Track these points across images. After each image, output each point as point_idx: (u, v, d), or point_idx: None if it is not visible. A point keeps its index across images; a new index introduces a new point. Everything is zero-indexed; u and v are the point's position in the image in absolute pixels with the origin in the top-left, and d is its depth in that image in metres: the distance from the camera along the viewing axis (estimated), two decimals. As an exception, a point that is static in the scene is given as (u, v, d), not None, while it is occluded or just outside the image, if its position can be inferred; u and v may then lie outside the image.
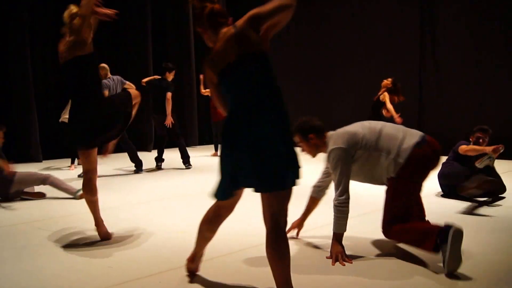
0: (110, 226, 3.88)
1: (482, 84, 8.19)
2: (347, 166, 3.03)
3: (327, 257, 3.03)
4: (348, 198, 3.02)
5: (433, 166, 3.02)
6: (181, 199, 5.08)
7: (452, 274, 2.67)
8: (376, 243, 3.34)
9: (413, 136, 3.02)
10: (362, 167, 3.09)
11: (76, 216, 4.36)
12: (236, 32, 2.11)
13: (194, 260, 2.76)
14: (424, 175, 3.01)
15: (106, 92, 6.63)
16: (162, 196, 5.30)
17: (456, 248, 2.64)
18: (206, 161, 8.56)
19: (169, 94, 7.28)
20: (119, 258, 3.16)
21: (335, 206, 3.02)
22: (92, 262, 3.08)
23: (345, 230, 3.03)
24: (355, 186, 5.62)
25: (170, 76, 7.51)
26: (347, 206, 3.01)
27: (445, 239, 2.64)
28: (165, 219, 4.19)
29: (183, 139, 7.76)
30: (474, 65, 8.29)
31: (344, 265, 2.90)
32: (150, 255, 3.20)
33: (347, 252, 3.06)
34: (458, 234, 2.64)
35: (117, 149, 7.76)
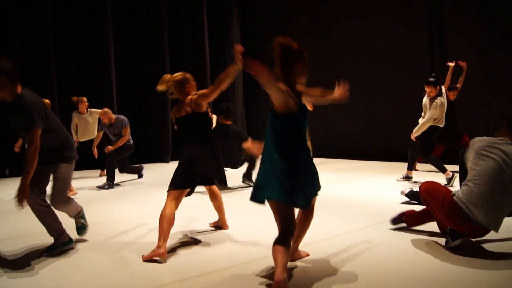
0: (130, 235, 3.99)
1: (491, 91, 8.18)
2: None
3: None
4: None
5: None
6: (200, 209, 5.15)
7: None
8: (391, 253, 3.39)
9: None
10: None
11: (99, 225, 4.49)
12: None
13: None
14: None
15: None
16: (181, 206, 5.36)
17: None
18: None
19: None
20: (140, 266, 3.24)
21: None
22: (115, 270, 3.18)
23: None
24: (370, 197, 5.68)
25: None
26: None
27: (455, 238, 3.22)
28: (184, 228, 4.27)
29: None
30: (483, 71, 8.27)
31: None
32: (171, 263, 3.28)
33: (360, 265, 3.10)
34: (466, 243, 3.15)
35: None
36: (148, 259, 3.32)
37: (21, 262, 3.40)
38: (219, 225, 4.26)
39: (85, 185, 7.23)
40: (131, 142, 7.30)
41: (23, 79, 9.80)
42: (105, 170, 7.79)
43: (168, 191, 3.63)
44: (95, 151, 7.41)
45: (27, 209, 3.41)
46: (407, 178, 6.71)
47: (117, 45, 10.25)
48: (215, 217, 4.33)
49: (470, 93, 8.22)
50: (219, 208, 4.18)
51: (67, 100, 9.71)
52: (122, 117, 7.19)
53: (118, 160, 7.29)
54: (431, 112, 6.18)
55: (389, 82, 9.44)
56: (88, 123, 8.00)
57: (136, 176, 7.89)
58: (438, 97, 6.28)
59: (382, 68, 9.71)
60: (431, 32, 9.10)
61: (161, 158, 10.71)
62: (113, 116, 7.14)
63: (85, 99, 7.97)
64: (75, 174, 7.86)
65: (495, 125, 6.31)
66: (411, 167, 6.77)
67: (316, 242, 3.64)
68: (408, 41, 9.29)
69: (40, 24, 9.01)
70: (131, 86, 10.73)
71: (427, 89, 6.37)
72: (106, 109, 7.22)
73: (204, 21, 11.38)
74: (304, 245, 3.24)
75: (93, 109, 8.02)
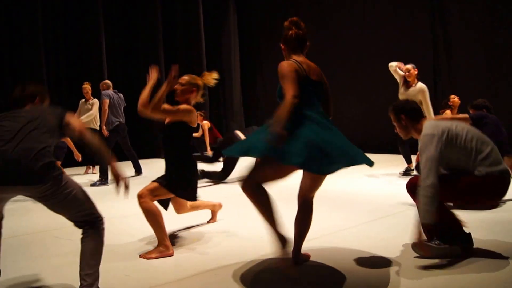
0: (124, 235, 3.91)
1: (495, 84, 8.11)
2: (435, 150, 2.87)
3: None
4: (434, 183, 2.80)
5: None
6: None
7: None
8: (394, 247, 3.30)
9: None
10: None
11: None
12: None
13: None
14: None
15: (107, 100, 7.10)
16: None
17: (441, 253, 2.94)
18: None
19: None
20: (135, 266, 3.16)
21: (421, 194, 2.81)
22: (109, 271, 3.07)
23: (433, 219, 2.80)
24: (371, 191, 5.60)
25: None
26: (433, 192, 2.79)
27: (448, 242, 2.95)
28: (178, 226, 4.17)
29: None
30: (487, 65, 8.25)
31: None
32: (166, 263, 3.20)
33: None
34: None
35: (122, 158, 8.04)
36: (152, 259, 3.25)
37: (17, 262, 3.30)
38: (213, 216, 4.27)
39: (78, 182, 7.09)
40: (115, 123, 7.19)
41: (13, 72, 9.61)
42: (91, 166, 7.79)
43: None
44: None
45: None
46: (408, 171, 6.61)
47: (108, 37, 10.10)
48: (209, 216, 4.30)
49: (477, 79, 8.17)
50: (197, 208, 4.03)
51: (57, 94, 9.60)
52: (105, 91, 7.28)
53: (121, 144, 7.40)
54: (428, 102, 6.24)
55: (389, 72, 9.34)
56: (89, 110, 7.89)
57: (133, 170, 7.80)
58: (421, 83, 6.37)
59: (383, 57, 9.57)
60: (433, 20, 9.02)
61: (155, 153, 10.57)
62: (109, 89, 7.38)
63: (89, 86, 7.86)
64: (67, 171, 7.79)
65: (500, 112, 6.30)
66: (409, 160, 6.67)
67: (317, 238, 3.56)
68: (410, 29, 9.22)
69: (29, 15, 8.86)
70: (123, 79, 10.55)
71: (407, 66, 6.52)
72: (106, 80, 7.67)
73: (200, 12, 11.26)
74: (305, 241, 3.14)
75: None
